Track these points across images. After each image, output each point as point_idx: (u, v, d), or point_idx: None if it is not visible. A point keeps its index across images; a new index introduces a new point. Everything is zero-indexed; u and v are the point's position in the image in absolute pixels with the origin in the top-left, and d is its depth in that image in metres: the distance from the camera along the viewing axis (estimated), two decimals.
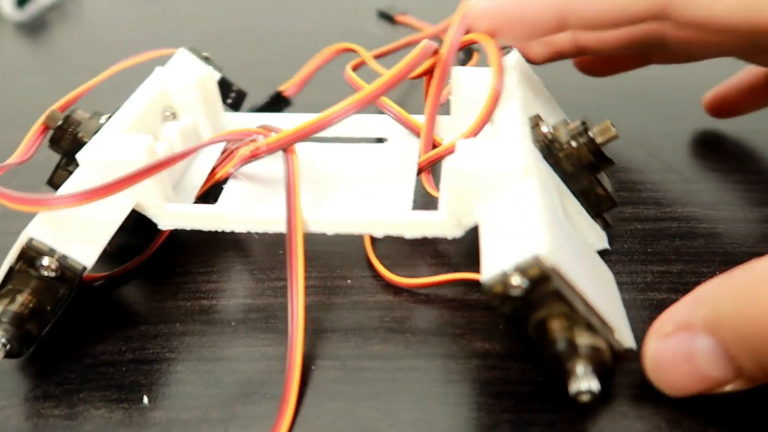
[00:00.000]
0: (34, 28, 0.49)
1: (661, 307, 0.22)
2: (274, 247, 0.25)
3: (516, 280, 0.16)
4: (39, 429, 0.19)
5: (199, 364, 0.21)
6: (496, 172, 0.19)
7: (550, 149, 0.22)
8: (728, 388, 0.17)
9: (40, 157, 0.26)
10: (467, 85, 0.24)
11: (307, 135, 0.21)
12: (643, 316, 0.21)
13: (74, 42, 0.46)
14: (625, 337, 0.18)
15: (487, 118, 0.23)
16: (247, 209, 0.22)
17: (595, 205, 0.22)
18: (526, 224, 0.17)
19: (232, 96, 0.31)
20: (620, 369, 0.19)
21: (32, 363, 0.21)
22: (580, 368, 0.16)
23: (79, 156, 0.22)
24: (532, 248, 0.16)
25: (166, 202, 0.23)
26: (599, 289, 0.19)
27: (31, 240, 0.20)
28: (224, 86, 0.30)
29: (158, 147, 0.23)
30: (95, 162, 0.22)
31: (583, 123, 0.22)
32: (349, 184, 0.25)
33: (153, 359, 0.21)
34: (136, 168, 0.20)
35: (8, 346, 0.19)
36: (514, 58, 0.25)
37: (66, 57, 0.44)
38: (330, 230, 0.21)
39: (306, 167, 0.25)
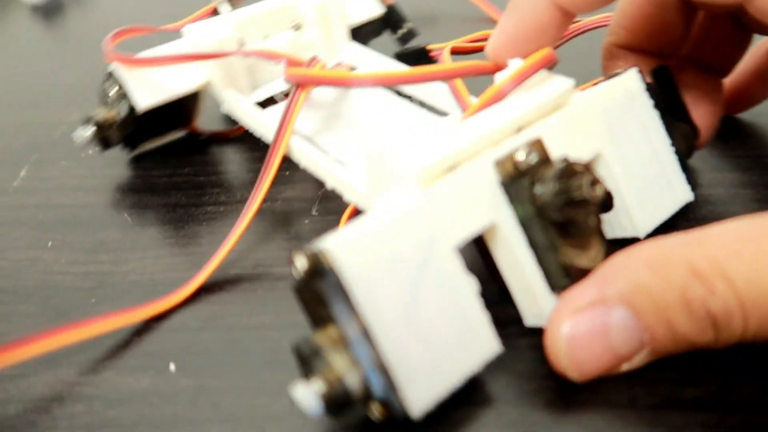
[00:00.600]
0: (50, 11, 0.48)
1: None
2: (302, 216, 0.25)
3: (300, 261, 0.16)
4: (64, 396, 0.19)
5: (227, 333, 0.20)
6: (393, 165, 0.18)
7: (515, 181, 0.18)
8: (632, 363, 0.17)
9: None
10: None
11: (327, 83, 0.23)
12: None
13: (89, 24, 0.46)
14: (412, 401, 0.16)
15: (482, 108, 0.20)
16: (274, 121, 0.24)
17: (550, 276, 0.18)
18: (360, 222, 0.16)
19: (401, 32, 0.33)
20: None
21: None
22: (302, 387, 0.15)
23: (183, 29, 0.28)
24: (329, 241, 0.15)
25: (231, 89, 0.27)
26: (425, 340, 0.16)
27: (110, 73, 0.27)
28: (392, 19, 0.33)
29: (255, 44, 0.28)
30: (189, 37, 0.28)
31: (565, 168, 0.17)
32: (371, 135, 0.25)
33: (179, 327, 0.21)
34: (205, 49, 0.26)
35: (93, 133, 0.27)
36: (623, 84, 0.21)
37: (80, 39, 0.43)
38: (301, 163, 0.24)
39: (354, 108, 0.26)
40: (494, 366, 0.18)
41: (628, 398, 0.17)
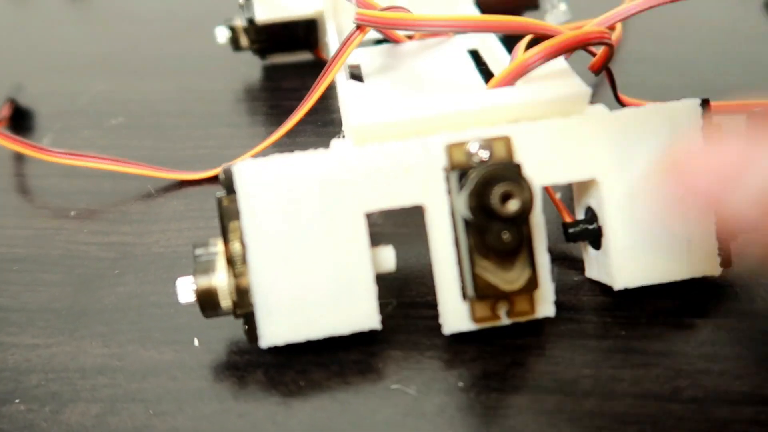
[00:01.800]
0: None
1: None
2: None
3: (221, 176, 0.17)
4: (87, 368, 0.18)
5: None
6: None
7: (456, 171, 0.17)
8: None
9: None
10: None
11: (396, 26, 0.21)
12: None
13: None
14: (263, 331, 0.17)
15: (504, 80, 0.18)
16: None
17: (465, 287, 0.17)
18: (282, 156, 0.17)
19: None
20: None
21: (79, 300, 0.21)
22: (184, 280, 0.18)
23: None
24: (242, 163, 0.17)
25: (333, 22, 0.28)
26: (307, 280, 0.17)
27: None
28: None
29: None
30: None
31: (489, 172, 0.16)
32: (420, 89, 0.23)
33: None
34: None
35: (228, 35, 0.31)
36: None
37: (106, 8, 0.43)
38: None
39: (419, 61, 0.24)
40: (531, 352, 0.18)
41: (671, 389, 0.17)
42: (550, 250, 0.20)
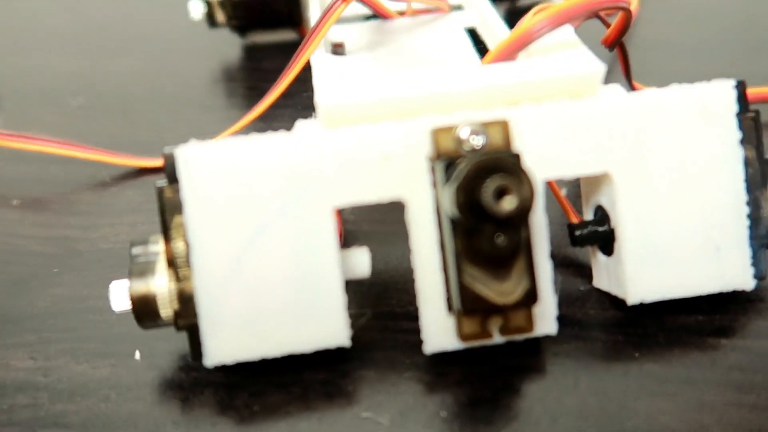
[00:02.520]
0: None
1: None
2: None
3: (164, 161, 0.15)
4: (7, 384, 0.16)
5: None
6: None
7: (443, 161, 0.14)
8: None
9: None
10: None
11: None
12: None
13: None
14: (208, 347, 0.14)
15: (504, 53, 0.16)
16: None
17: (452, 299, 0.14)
18: (236, 139, 0.15)
19: None
20: None
21: (9, 303, 0.18)
22: (119, 284, 0.15)
23: None
24: (185, 147, 0.15)
25: None
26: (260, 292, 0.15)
27: None
28: None
29: None
30: None
31: (484, 162, 0.13)
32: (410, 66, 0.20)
33: None
34: None
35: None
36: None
37: None
38: None
39: (411, 39, 0.21)
40: (528, 376, 0.15)
41: (694, 426, 0.14)
42: (553, 256, 0.17)
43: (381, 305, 0.17)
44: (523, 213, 0.13)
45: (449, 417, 0.14)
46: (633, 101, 0.15)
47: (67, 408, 0.15)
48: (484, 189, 0.13)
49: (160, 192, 0.15)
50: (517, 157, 0.14)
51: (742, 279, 0.16)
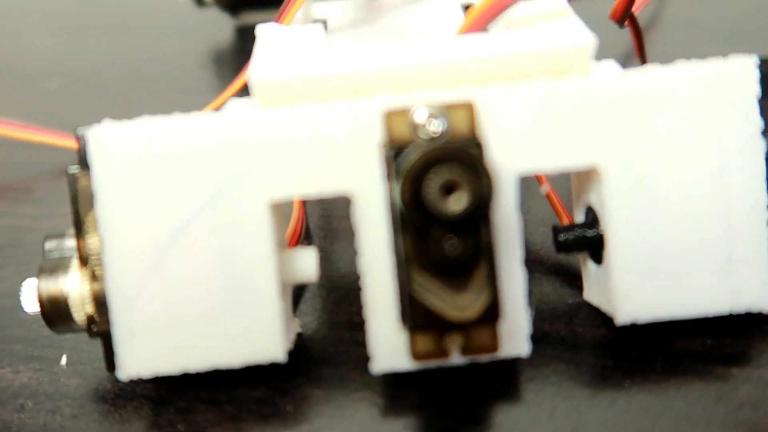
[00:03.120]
0: None
1: None
2: None
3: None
4: None
5: None
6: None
7: (395, 148, 0.12)
8: None
9: None
10: None
11: None
12: None
13: None
14: (123, 359, 0.13)
15: (477, 22, 0.14)
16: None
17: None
18: (159, 119, 0.13)
19: None
20: None
21: None
22: (31, 282, 0.13)
23: None
24: (98, 128, 0.13)
25: None
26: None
27: None
28: None
29: None
30: None
31: (437, 151, 0.11)
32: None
33: None
34: None
35: None
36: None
37: None
38: None
39: (400, 16, 0.19)
40: (497, 402, 0.13)
41: None
42: (540, 262, 0.15)
43: (339, 313, 0.15)
44: (476, 214, 0.11)
45: None
46: (630, 80, 0.13)
47: None
48: (427, 184, 0.11)
49: (72, 179, 0.13)
50: (477, 146, 0.12)
51: (760, 297, 0.13)
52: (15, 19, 0.31)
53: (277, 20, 0.19)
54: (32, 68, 0.27)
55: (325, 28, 0.20)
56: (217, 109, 0.21)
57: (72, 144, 0.21)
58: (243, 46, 0.28)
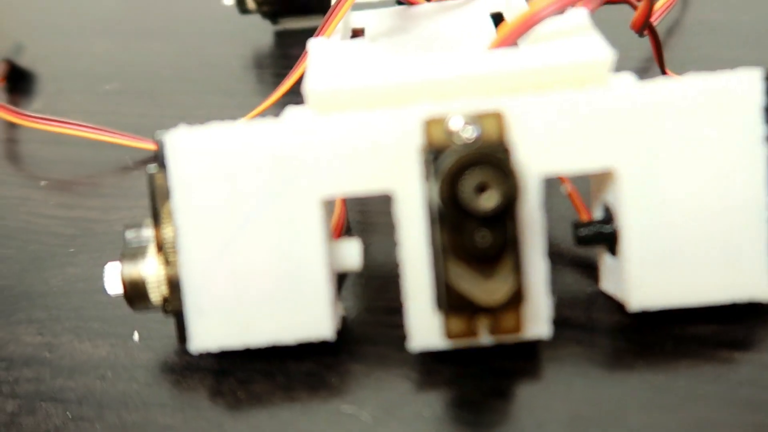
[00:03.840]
0: None
1: None
2: None
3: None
4: (15, 357, 0.17)
5: None
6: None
7: (433, 152, 0.13)
8: None
9: None
10: None
11: None
12: None
13: None
14: (193, 333, 0.15)
15: (508, 38, 0.15)
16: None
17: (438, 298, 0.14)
18: (226, 125, 0.15)
19: None
20: None
21: (24, 280, 0.19)
22: (113, 266, 0.15)
23: None
24: (175, 133, 0.15)
25: None
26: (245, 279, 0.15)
27: None
28: None
29: None
30: None
31: (469, 155, 0.12)
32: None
33: None
34: None
35: None
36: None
37: None
38: None
39: (433, 25, 0.21)
40: (520, 380, 0.14)
41: None
42: (562, 255, 0.16)
43: (378, 299, 0.17)
44: (506, 210, 0.12)
45: (432, 417, 0.14)
46: (644, 91, 0.14)
47: (66, 384, 0.16)
48: (463, 184, 0.12)
49: (151, 177, 0.15)
50: (506, 151, 0.13)
51: (760, 287, 0.14)
52: (75, 25, 0.33)
53: (319, 32, 0.20)
54: (92, 72, 0.29)
55: (363, 35, 0.22)
56: (263, 111, 0.23)
57: (133, 143, 0.23)
58: (282, 50, 0.30)
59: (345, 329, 0.16)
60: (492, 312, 0.14)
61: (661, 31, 0.23)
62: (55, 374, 0.16)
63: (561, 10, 0.15)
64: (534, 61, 0.14)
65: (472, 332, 0.14)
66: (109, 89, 0.28)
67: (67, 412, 0.15)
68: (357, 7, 0.23)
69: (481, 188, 0.12)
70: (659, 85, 0.14)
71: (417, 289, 0.14)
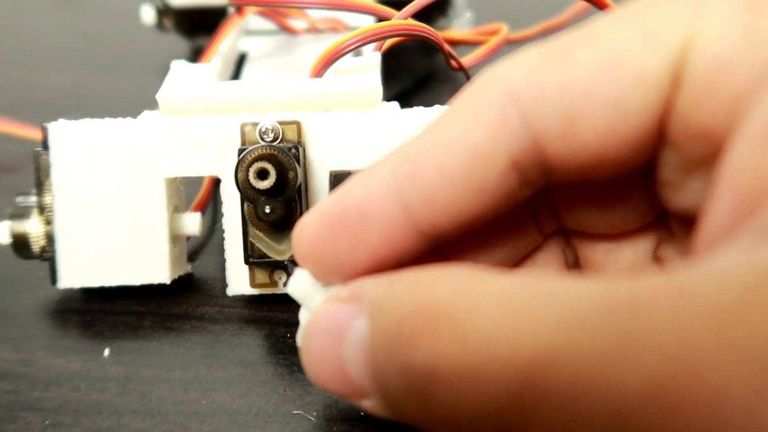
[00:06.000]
0: None
1: None
2: None
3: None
4: None
5: (168, 321, 0.20)
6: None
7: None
8: (366, 404, 0.13)
9: None
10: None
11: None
12: None
13: None
14: (61, 274, 0.20)
15: (316, 71, 0.20)
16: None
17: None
18: (98, 120, 0.20)
19: None
20: None
21: None
22: (3, 224, 0.20)
23: None
24: (58, 121, 0.19)
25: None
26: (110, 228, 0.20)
27: None
28: None
29: None
30: None
31: (262, 148, 0.18)
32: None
33: (121, 311, 0.20)
34: None
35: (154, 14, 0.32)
36: None
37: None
38: None
39: (305, 53, 0.25)
40: None
41: None
42: None
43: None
44: (280, 190, 0.17)
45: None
46: (403, 114, 0.19)
47: (43, 395, 0.18)
48: (250, 170, 0.18)
49: (36, 156, 0.19)
50: (290, 149, 0.18)
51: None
52: (33, 56, 0.34)
53: (199, 59, 0.24)
54: (51, 104, 0.30)
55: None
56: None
57: None
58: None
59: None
60: (285, 268, 0.19)
61: None
62: (32, 387, 0.18)
63: (359, 45, 0.20)
64: (328, 87, 0.20)
65: (273, 283, 0.19)
66: None
67: (46, 420, 0.17)
68: (247, 33, 0.28)
69: (262, 174, 0.17)
70: (414, 111, 0.19)
71: (233, 250, 0.19)
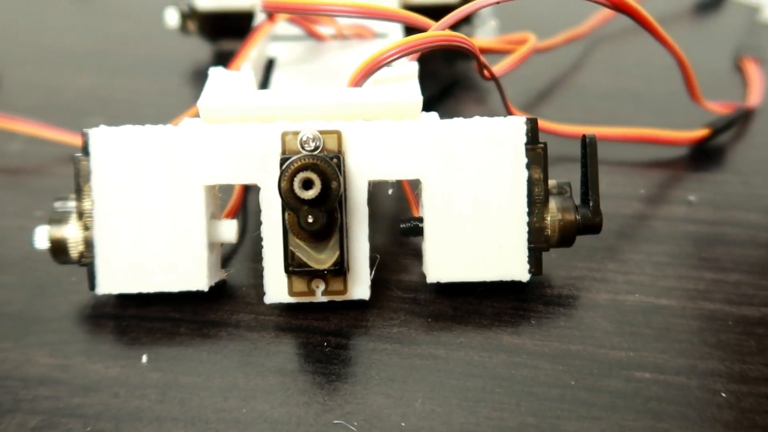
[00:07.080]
0: None
1: (712, 318, 0.19)
2: None
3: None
4: (30, 377, 0.18)
5: (205, 328, 0.20)
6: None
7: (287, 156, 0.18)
8: None
9: None
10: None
11: (302, 10, 0.23)
12: (692, 327, 0.19)
13: None
14: (99, 279, 0.19)
15: (356, 79, 0.20)
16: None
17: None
18: (137, 127, 0.19)
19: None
20: None
21: (30, 307, 0.20)
22: (41, 229, 0.20)
23: None
24: (97, 128, 0.19)
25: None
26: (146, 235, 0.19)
27: None
28: None
29: None
30: None
31: (306, 158, 0.17)
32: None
33: (157, 317, 0.20)
34: None
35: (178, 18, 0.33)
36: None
37: (100, 1, 0.43)
38: None
39: (333, 59, 0.26)
40: None
41: None
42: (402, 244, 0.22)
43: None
44: (325, 200, 0.17)
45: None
46: (442, 125, 0.19)
47: (83, 401, 0.18)
48: (295, 180, 0.17)
49: (76, 161, 0.19)
50: (332, 158, 0.18)
51: (519, 271, 0.20)
52: (58, 58, 0.34)
53: (229, 64, 0.24)
54: (75, 105, 0.30)
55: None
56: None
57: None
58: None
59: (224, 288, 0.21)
60: (323, 277, 0.19)
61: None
62: (72, 393, 0.18)
63: (400, 56, 0.19)
64: (364, 97, 0.20)
65: (311, 292, 0.19)
66: (91, 123, 0.29)
67: (87, 427, 0.17)
68: (275, 38, 0.28)
69: (307, 184, 0.17)
70: (454, 122, 0.19)
71: (272, 257, 0.19)
